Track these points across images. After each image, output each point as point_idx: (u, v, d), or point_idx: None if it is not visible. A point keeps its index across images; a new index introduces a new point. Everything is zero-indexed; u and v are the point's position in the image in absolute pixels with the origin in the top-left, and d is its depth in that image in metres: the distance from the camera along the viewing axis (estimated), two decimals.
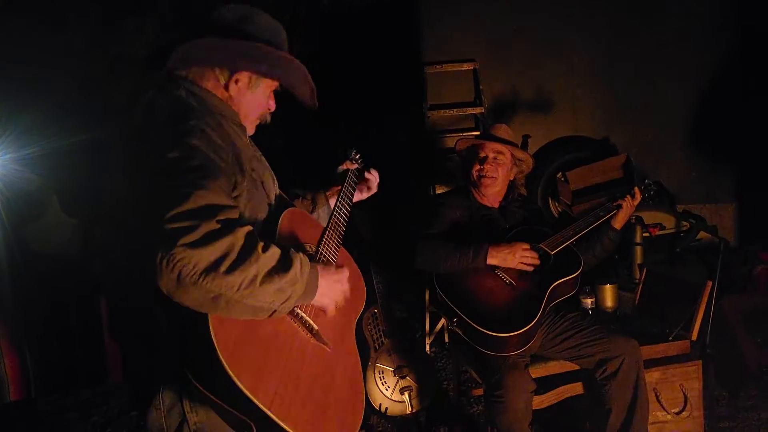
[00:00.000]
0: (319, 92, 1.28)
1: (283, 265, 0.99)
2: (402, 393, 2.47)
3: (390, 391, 2.48)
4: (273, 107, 1.26)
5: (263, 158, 1.24)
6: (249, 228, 0.97)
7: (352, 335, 1.27)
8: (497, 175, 2.16)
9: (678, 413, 2.05)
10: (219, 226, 0.92)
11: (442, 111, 3.36)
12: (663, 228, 3.26)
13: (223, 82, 1.16)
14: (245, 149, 1.16)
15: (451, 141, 3.41)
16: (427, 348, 3.08)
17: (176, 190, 0.93)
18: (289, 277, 0.99)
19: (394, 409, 2.48)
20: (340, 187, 1.44)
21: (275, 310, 0.99)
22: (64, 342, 3.04)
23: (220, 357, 0.92)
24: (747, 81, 3.69)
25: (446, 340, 3.11)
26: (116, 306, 1.20)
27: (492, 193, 2.20)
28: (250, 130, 1.23)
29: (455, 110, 3.38)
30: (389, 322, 2.56)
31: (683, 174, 3.76)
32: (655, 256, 3.00)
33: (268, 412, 0.96)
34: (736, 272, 2.84)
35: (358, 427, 1.18)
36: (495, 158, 2.16)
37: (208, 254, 0.89)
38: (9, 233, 3.23)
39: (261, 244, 0.97)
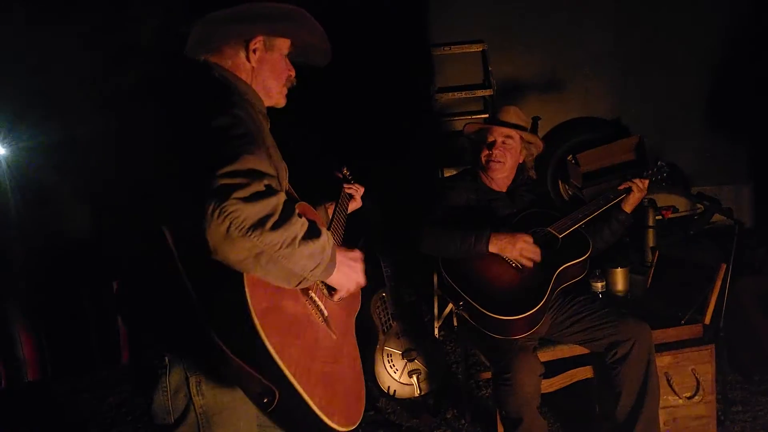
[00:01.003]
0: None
1: (314, 233, 1.05)
2: (410, 376, 2.48)
3: (398, 374, 2.49)
4: (294, 72, 1.29)
5: (278, 150, 1.29)
6: (286, 196, 1.03)
7: (353, 332, 1.33)
8: (505, 160, 2.13)
9: (690, 398, 2.03)
10: (264, 188, 0.98)
11: (451, 93, 3.32)
12: (676, 210, 3.21)
13: (243, 55, 1.20)
14: (268, 137, 1.20)
15: (459, 124, 3.37)
16: (436, 331, 3.08)
17: (226, 151, 0.98)
18: (320, 243, 1.05)
19: (402, 392, 2.49)
20: (337, 199, 1.56)
21: (304, 278, 1.04)
22: (79, 324, 3.09)
23: (253, 317, 0.96)
24: (763, 59, 3.58)
25: (455, 323, 3.11)
26: (127, 286, 1.20)
27: (500, 178, 2.17)
28: (282, 100, 1.28)
29: (464, 93, 3.33)
30: (397, 305, 2.56)
31: (698, 155, 3.68)
32: (668, 239, 2.95)
33: (292, 379, 0.99)
34: (751, 255, 2.78)
35: (362, 413, 1.20)
36: (504, 143, 2.13)
37: (257, 211, 0.94)
38: (23, 219, 3.29)
39: (297, 210, 1.04)
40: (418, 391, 2.48)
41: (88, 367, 3.11)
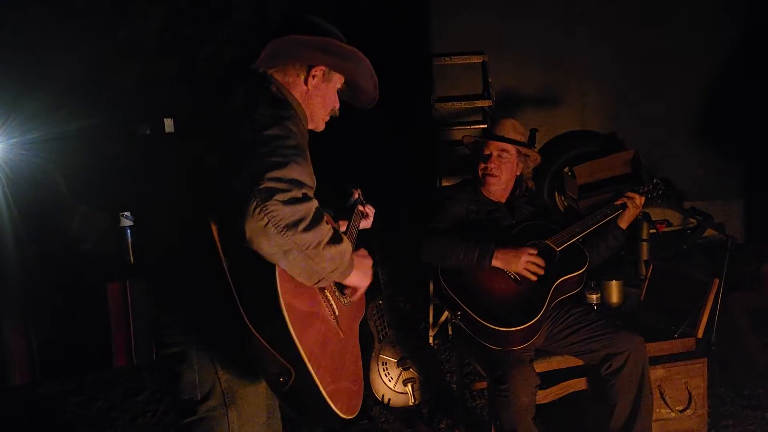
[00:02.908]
0: None
1: (336, 239, 1.17)
2: (405, 385, 2.48)
3: (393, 383, 2.49)
4: (338, 105, 1.43)
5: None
6: (318, 204, 1.16)
7: (357, 335, 1.43)
8: (500, 174, 2.14)
9: (682, 411, 2.05)
10: (302, 195, 1.11)
11: (450, 103, 3.34)
12: (670, 224, 3.24)
13: (302, 77, 1.34)
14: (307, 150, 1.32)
15: (458, 134, 3.40)
16: (431, 340, 3.08)
17: (276, 158, 1.10)
18: (341, 248, 1.17)
19: (396, 401, 2.49)
20: (350, 218, 1.68)
21: (323, 278, 1.16)
22: (70, 326, 3.05)
23: (281, 303, 1.07)
24: (755, 76, 3.65)
25: (450, 332, 3.11)
26: (163, 271, 1.30)
27: (498, 190, 2.19)
28: (322, 126, 1.41)
29: (463, 103, 3.36)
30: (393, 313, 2.56)
31: (691, 170, 3.73)
32: (662, 253, 2.99)
33: (308, 363, 1.09)
34: (743, 270, 2.82)
35: (360, 406, 1.29)
36: (499, 156, 2.14)
37: (292, 213, 1.07)
38: (15, 217, 3.25)
39: (325, 217, 1.16)
40: (413, 400, 2.48)
41: (77, 370, 3.07)
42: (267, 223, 1.05)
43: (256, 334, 1.09)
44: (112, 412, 2.74)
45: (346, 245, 1.19)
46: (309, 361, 1.10)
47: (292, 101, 1.31)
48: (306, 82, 1.34)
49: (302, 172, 1.13)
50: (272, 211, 1.05)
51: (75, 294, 3.07)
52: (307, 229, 1.09)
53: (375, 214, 1.79)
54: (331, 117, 1.43)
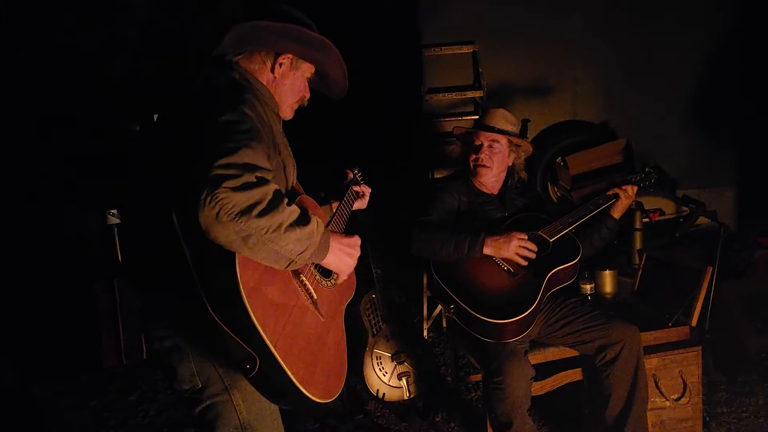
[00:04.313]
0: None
1: (302, 220, 1.14)
2: (399, 379, 2.46)
3: (387, 377, 2.47)
4: (308, 94, 1.42)
5: (289, 148, 1.40)
6: (278, 186, 1.12)
7: (342, 317, 1.41)
8: (491, 165, 2.12)
9: (677, 399, 2.05)
10: (256, 180, 1.08)
11: (441, 94, 3.31)
12: (663, 213, 3.25)
13: (269, 65, 1.33)
14: (278, 135, 1.31)
15: (449, 125, 3.37)
16: (425, 333, 3.07)
17: (228, 144, 1.09)
18: (308, 230, 1.14)
19: (391, 395, 2.47)
20: (341, 197, 1.67)
21: (293, 260, 1.14)
22: (61, 327, 3.02)
23: (241, 291, 1.07)
24: (747, 65, 3.64)
25: (444, 325, 3.10)
26: (142, 269, 1.29)
27: (489, 181, 2.17)
28: (289, 114, 1.40)
29: (454, 94, 3.33)
30: (387, 307, 2.55)
31: (683, 159, 3.73)
32: (655, 242, 2.99)
33: (272, 349, 1.08)
34: (735, 257, 2.82)
35: (340, 389, 1.29)
36: (490, 146, 2.12)
37: (245, 199, 1.04)
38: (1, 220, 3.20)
39: (286, 200, 1.13)
40: (408, 394, 2.47)
41: (69, 372, 3.04)
42: (219, 212, 1.02)
43: (221, 323, 1.09)
44: (104, 413, 2.72)
45: (314, 227, 1.17)
46: (275, 348, 1.09)
47: (257, 86, 1.30)
48: (273, 70, 1.33)
49: (255, 155, 1.10)
50: (222, 198, 1.02)
51: (65, 295, 3.03)
52: (262, 214, 1.06)
53: (370, 194, 1.77)
54: (300, 106, 1.42)
